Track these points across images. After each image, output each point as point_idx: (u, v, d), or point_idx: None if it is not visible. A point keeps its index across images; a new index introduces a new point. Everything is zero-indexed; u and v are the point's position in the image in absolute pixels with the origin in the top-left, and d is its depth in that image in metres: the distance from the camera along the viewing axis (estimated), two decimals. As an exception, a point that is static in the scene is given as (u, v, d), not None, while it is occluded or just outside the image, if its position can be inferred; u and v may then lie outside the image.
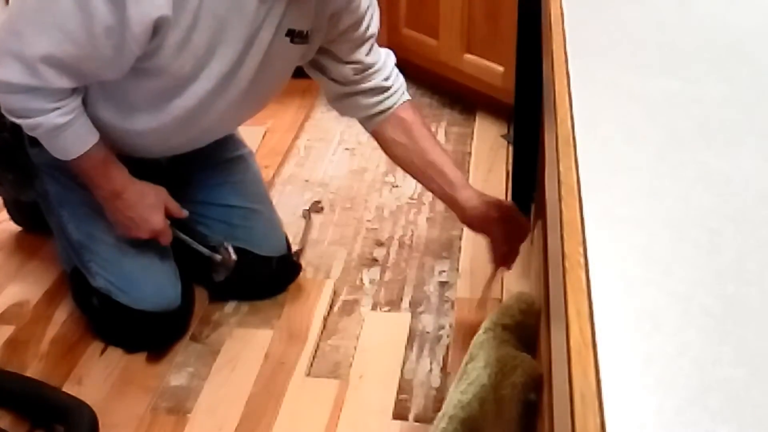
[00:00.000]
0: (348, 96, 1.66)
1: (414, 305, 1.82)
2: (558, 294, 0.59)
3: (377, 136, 1.69)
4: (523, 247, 1.69)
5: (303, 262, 1.93)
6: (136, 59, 1.40)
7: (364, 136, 2.54)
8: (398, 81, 1.67)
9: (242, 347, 1.70)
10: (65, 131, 1.47)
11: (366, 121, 1.68)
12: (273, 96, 1.71)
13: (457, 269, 1.92)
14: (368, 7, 1.59)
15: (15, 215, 2.04)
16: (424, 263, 1.97)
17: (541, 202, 1.44)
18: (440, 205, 2.19)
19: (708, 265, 0.56)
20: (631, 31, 0.95)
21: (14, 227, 2.06)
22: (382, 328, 1.76)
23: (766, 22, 0.98)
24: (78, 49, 1.36)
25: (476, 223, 1.63)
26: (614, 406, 0.45)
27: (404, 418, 1.52)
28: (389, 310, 1.81)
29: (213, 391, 1.59)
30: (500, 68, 2.42)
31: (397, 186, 2.29)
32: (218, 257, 1.73)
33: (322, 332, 1.74)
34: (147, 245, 1.66)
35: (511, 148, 2.31)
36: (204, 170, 1.82)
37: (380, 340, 1.72)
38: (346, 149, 2.48)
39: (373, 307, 1.82)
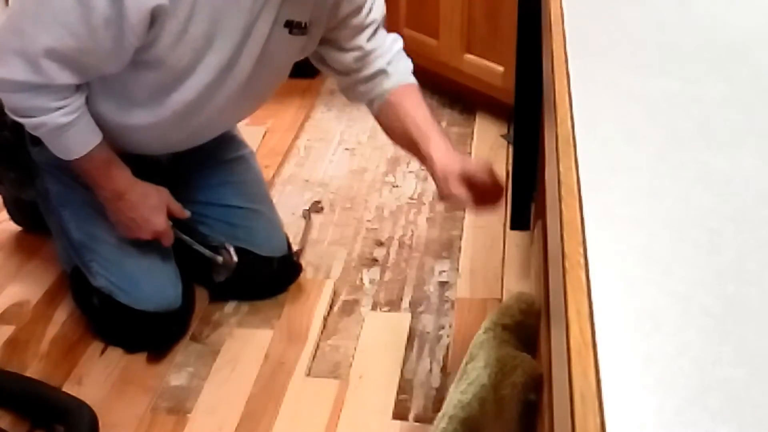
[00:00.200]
0: (352, 84, 1.64)
1: (414, 305, 1.82)
2: (558, 294, 0.59)
3: (378, 121, 1.66)
4: (524, 248, 1.69)
5: (303, 262, 1.93)
6: (135, 51, 1.40)
7: (364, 136, 2.54)
8: (401, 65, 1.63)
9: (242, 347, 1.70)
10: (68, 131, 1.47)
11: (369, 107, 1.65)
12: (272, 91, 1.70)
13: (457, 269, 1.92)
14: None
15: (15, 215, 2.04)
16: (424, 263, 1.97)
17: (541, 202, 1.44)
18: (440, 205, 2.19)
19: (708, 265, 0.56)
20: (631, 31, 0.95)
21: (14, 227, 2.06)
22: (382, 328, 1.76)
23: (766, 22, 0.98)
24: (79, 42, 1.36)
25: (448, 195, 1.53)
26: (614, 406, 0.45)
27: (404, 418, 1.52)
28: (389, 310, 1.81)
29: (213, 391, 1.59)
30: (500, 68, 2.42)
31: (397, 186, 2.29)
32: (219, 259, 1.73)
33: (322, 332, 1.74)
34: (149, 245, 1.66)
35: (511, 148, 2.31)
36: (205, 170, 1.82)
37: (380, 340, 1.72)
38: (346, 149, 2.48)
39: (373, 307, 1.82)
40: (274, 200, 2.16)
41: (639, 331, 0.50)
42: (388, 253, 2.01)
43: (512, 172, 2.09)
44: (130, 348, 1.69)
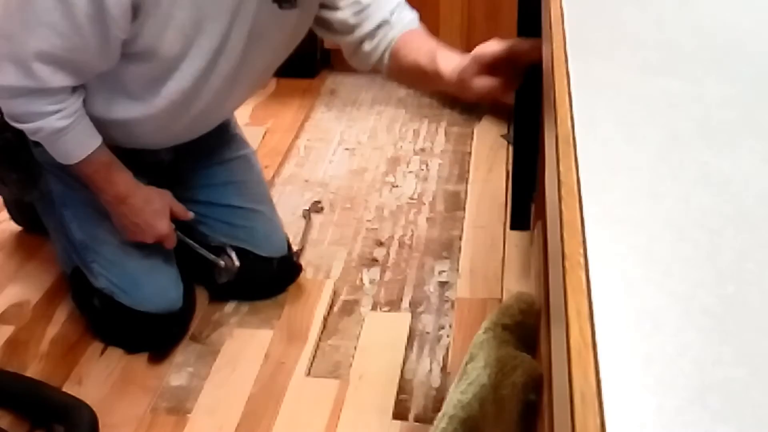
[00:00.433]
0: (357, 45, 1.58)
1: (414, 305, 1.82)
2: (558, 294, 0.59)
3: (392, 76, 1.61)
4: (524, 248, 1.69)
5: (303, 262, 1.93)
6: (125, 44, 1.40)
7: (364, 136, 2.54)
8: (404, 14, 1.57)
9: (242, 347, 1.70)
10: (66, 135, 1.47)
11: (382, 67, 1.58)
12: (270, 72, 1.69)
13: (457, 269, 1.92)
14: None
15: (16, 215, 2.04)
16: (424, 263, 1.97)
17: (541, 202, 1.44)
18: (440, 205, 2.19)
19: (708, 265, 0.56)
20: (631, 31, 0.95)
21: (14, 227, 2.06)
22: (382, 328, 1.76)
23: (766, 22, 0.98)
24: (66, 41, 1.36)
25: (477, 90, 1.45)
26: (614, 406, 0.45)
27: (404, 418, 1.52)
28: (389, 310, 1.81)
29: (213, 391, 1.59)
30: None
31: (397, 186, 2.29)
32: (222, 263, 1.73)
33: (322, 332, 1.74)
34: (151, 247, 1.66)
35: (511, 148, 2.31)
36: (207, 170, 1.82)
37: (380, 340, 1.72)
38: (346, 149, 2.48)
39: (373, 307, 1.82)
40: (274, 200, 2.16)
41: (639, 331, 0.50)
42: (388, 253, 2.01)
43: (512, 172, 2.09)
44: (131, 349, 1.69)
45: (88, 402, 1.50)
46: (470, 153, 2.44)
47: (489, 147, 2.46)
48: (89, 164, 1.53)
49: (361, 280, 1.91)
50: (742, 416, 0.44)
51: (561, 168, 0.68)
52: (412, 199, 2.23)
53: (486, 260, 1.94)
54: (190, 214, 1.70)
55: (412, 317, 1.78)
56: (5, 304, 1.82)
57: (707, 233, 0.59)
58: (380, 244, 2.04)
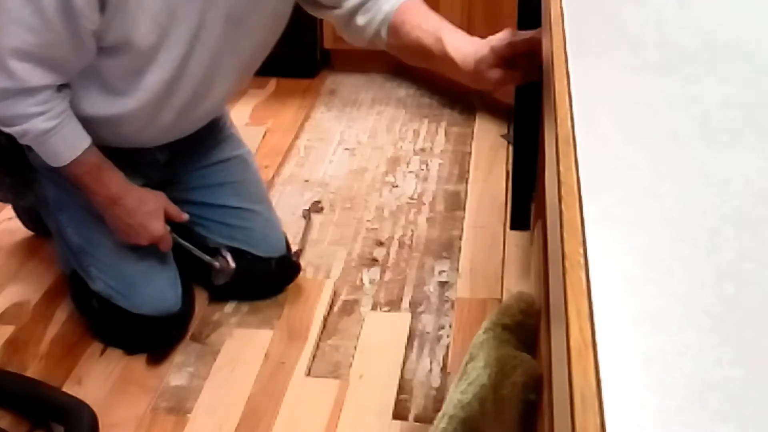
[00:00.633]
0: (349, 18, 1.56)
1: (414, 305, 1.82)
2: (558, 294, 0.59)
3: (392, 50, 1.58)
4: (524, 248, 1.69)
5: (303, 262, 1.93)
6: (99, 38, 1.40)
7: (364, 136, 2.54)
8: None
9: (242, 347, 1.70)
10: (53, 136, 1.47)
11: (379, 41, 1.56)
12: (256, 58, 1.67)
13: (457, 269, 1.92)
14: None
15: (26, 220, 2.03)
16: (424, 263, 1.97)
17: (541, 202, 1.44)
18: (440, 205, 2.19)
19: (708, 265, 0.56)
20: (631, 31, 0.95)
21: (14, 227, 2.06)
22: (382, 328, 1.76)
23: (766, 22, 0.98)
24: (38, 37, 1.37)
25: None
26: (614, 406, 0.45)
27: (404, 418, 1.52)
28: (389, 310, 1.81)
29: (213, 391, 1.59)
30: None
31: (397, 186, 2.29)
32: (217, 264, 1.73)
33: (322, 332, 1.74)
34: (147, 249, 1.66)
35: (511, 148, 2.31)
36: (202, 170, 1.81)
37: (380, 340, 1.72)
38: (346, 149, 2.48)
39: (373, 307, 1.82)
40: (274, 200, 2.16)
41: (639, 331, 0.50)
42: (388, 253, 2.01)
43: (512, 172, 2.09)
44: (130, 350, 1.69)
45: (88, 402, 1.50)
46: (470, 153, 2.44)
47: (489, 147, 2.46)
48: (79, 165, 1.52)
49: (361, 280, 1.91)
50: (742, 416, 0.44)
51: (561, 168, 0.68)
52: (412, 199, 2.23)
53: (486, 260, 1.94)
54: (185, 216, 1.70)
55: (412, 317, 1.78)
56: (5, 304, 1.82)
57: (707, 233, 0.59)
58: (380, 244, 2.04)
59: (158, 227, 1.62)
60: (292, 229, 2.03)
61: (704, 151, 0.70)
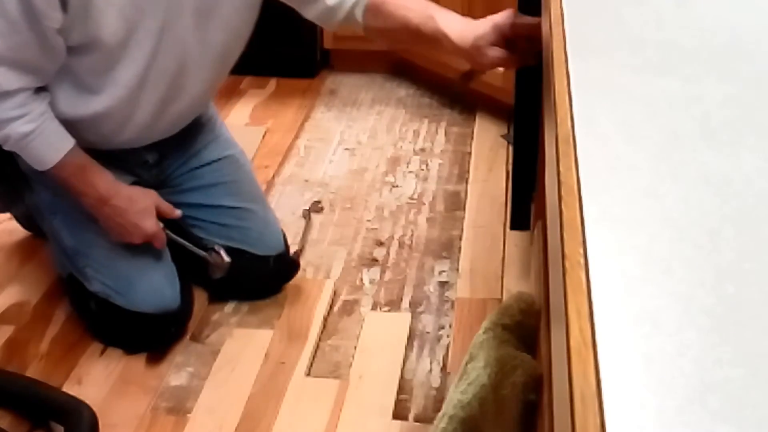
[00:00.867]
0: (322, 2, 1.55)
1: (414, 305, 1.82)
2: (558, 294, 0.59)
3: (369, 32, 1.57)
4: (524, 248, 1.69)
5: (303, 262, 1.93)
6: (67, 36, 1.41)
7: (364, 136, 2.54)
8: None
9: (242, 347, 1.70)
10: (35, 140, 1.48)
11: (354, 24, 1.54)
12: (234, 50, 1.67)
13: (457, 269, 1.92)
14: None
15: (24, 222, 2.03)
16: (424, 263, 1.97)
17: (541, 202, 1.44)
18: (440, 205, 2.19)
19: (708, 265, 0.56)
20: (631, 31, 0.95)
21: (14, 228, 2.06)
22: (382, 328, 1.76)
23: (766, 22, 0.98)
24: (6, 40, 1.38)
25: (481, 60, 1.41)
26: (614, 406, 0.45)
27: (404, 418, 1.52)
28: (389, 310, 1.81)
29: (213, 391, 1.59)
30: (500, 68, 2.42)
31: (397, 186, 2.29)
32: (210, 258, 1.73)
33: (322, 332, 1.74)
34: (143, 247, 1.66)
35: (511, 148, 2.31)
36: (194, 171, 1.80)
37: (380, 340, 1.72)
38: (346, 149, 2.48)
39: (373, 307, 1.82)
40: (274, 200, 2.16)
41: (639, 331, 0.50)
42: (388, 253, 2.01)
43: (512, 172, 2.09)
44: (130, 349, 1.69)
45: (88, 402, 1.50)
46: (470, 153, 2.44)
47: (489, 147, 2.46)
48: (64, 168, 1.53)
49: (361, 280, 1.91)
50: (742, 416, 0.44)
51: (561, 168, 0.68)
52: (412, 199, 2.23)
53: (486, 260, 1.94)
54: (178, 212, 1.69)
55: (412, 317, 1.78)
56: (5, 304, 1.82)
57: (707, 233, 0.59)
58: (380, 244, 2.04)
59: (150, 225, 1.62)
60: (292, 229, 2.03)
61: (704, 151, 0.70)
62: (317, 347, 1.70)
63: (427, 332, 1.74)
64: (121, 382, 1.62)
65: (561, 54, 0.87)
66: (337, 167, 2.39)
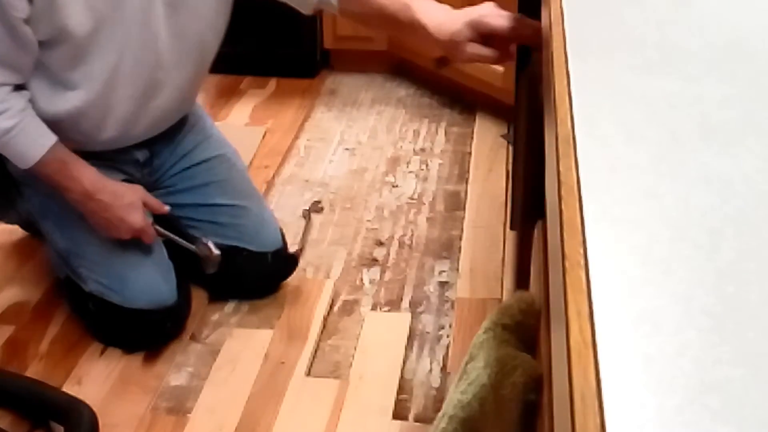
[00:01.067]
0: None
1: (414, 305, 1.82)
2: (558, 294, 0.59)
3: (346, 15, 1.57)
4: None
5: (303, 262, 1.93)
6: (36, 29, 1.42)
7: (364, 136, 2.54)
8: None
9: (242, 347, 1.70)
10: (16, 136, 1.48)
11: (330, 7, 1.55)
12: (211, 42, 1.66)
13: (457, 269, 1.92)
14: None
15: (23, 224, 2.03)
16: (424, 263, 1.97)
17: (541, 202, 1.44)
18: (440, 205, 2.19)
19: (708, 265, 0.56)
20: (631, 31, 0.95)
21: (14, 228, 2.06)
22: (382, 328, 1.76)
23: (766, 22, 0.98)
24: None
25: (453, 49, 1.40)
26: (614, 406, 0.45)
27: (404, 418, 1.52)
28: (389, 310, 1.81)
29: (213, 391, 1.59)
30: (500, 68, 2.42)
31: (397, 186, 2.29)
32: (197, 250, 1.72)
33: (322, 332, 1.74)
34: (135, 243, 1.66)
35: (511, 148, 2.31)
36: (185, 171, 1.80)
37: (380, 340, 1.72)
38: (346, 149, 2.48)
39: (373, 307, 1.82)
40: (274, 200, 2.16)
41: (639, 331, 0.50)
42: (388, 253, 2.01)
43: (512, 172, 2.09)
44: (129, 348, 1.69)
45: (88, 402, 1.50)
46: (470, 153, 2.44)
47: (489, 147, 2.46)
48: (48, 164, 1.53)
49: (361, 280, 1.91)
50: (742, 416, 0.44)
51: (561, 168, 0.68)
52: (412, 199, 2.23)
53: (486, 260, 1.94)
54: (166, 208, 1.69)
55: (412, 317, 1.78)
56: (5, 304, 1.82)
57: (707, 233, 0.59)
58: (380, 244, 2.04)
59: (137, 219, 1.62)
60: (292, 229, 2.03)
61: (704, 151, 0.70)
62: (317, 347, 1.70)
63: (427, 332, 1.74)
64: (121, 382, 1.62)
65: (561, 54, 0.87)
66: (337, 167, 2.39)
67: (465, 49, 1.37)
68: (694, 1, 1.04)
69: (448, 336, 1.72)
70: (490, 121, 2.58)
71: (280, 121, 2.61)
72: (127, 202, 1.61)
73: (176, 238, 1.72)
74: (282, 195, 2.25)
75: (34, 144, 1.51)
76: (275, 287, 1.85)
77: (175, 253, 1.73)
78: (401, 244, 2.04)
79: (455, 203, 2.20)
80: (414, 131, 2.57)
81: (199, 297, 1.82)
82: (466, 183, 2.29)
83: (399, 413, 1.53)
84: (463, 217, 2.13)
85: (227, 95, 2.73)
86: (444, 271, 1.93)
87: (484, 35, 1.36)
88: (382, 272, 1.94)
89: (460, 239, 2.04)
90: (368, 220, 2.14)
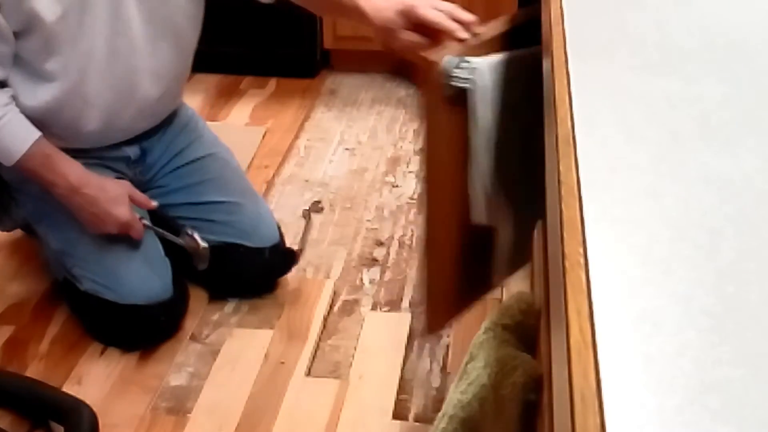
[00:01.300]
0: None
1: (414, 305, 1.82)
2: (558, 294, 0.59)
3: (300, 2, 1.61)
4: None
5: (303, 262, 1.93)
6: (9, 18, 1.44)
7: (364, 136, 2.54)
8: None
9: (242, 347, 1.70)
10: (1, 130, 1.49)
11: None
12: (188, 28, 1.67)
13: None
14: None
15: (23, 226, 2.03)
16: (424, 263, 1.96)
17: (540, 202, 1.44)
18: (440, 205, 2.19)
19: (708, 265, 0.56)
20: (631, 31, 0.95)
21: (14, 227, 2.06)
22: (382, 328, 1.76)
23: (766, 22, 0.98)
24: None
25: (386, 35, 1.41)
26: (614, 406, 0.45)
27: (404, 418, 1.52)
28: (389, 310, 1.81)
29: (213, 391, 1.59)
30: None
31: (397, 186, 2.29)
32: (182, 242, 1.72)
33: (322, 332, 1.74)
34: (127, 240, 1.66)
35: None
36: (179, 170, 1.80)
37: (380, 340, 1.72)
38: (346, 149, 2.48)
39: (373, 307, 1.82)
40: (274, 200, 2.16)
41: (639, 331, 0.50)
42: (388, 253, 2.01)
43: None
44: (127, 346, 1.69)
45: (88, 402, 1.50)
46: (470, 153, 2.44)
47: (489, 147, 2.46)
48: (32, 158, 1.53)
49: (361, 280, 1.91)
50: (742, 416, 0.44)
51: (561, 168, 0.68)
52: (412, 199, 2.23)
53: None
54: (153, 203, 1.69)
55: (412, 317, 1.78)
56: (5, 304, 1.82)
57: (707, 233, 0.59)
58: (380, 244, 2.04)
59: (123, 213, 1.61)
60: (292, 229, 2.03)
61: (704, 151, 0.70)
62: (317, 347, 1.70)
63: (427, 332, 1.74)
64: (121, 382, 1.62)
65: (561, 54, 0.87)
66: (337, 167, 2.39)
67: (398, 37, 1.38)
68: (694, 1, 1.04)
69: (448, 336, 1.72)
70: (490, 121, 2.58)
71: (280, 121, 2.61)
72: (113, 195, 1.61)
73: (164, 232, 1.72)
74: (282, 195, 2.25)
75: (18, 139, 1.52)
76: (274, 283, 1.84)
77: (171, 252, 1.73)
78: (401, 244, 2.04)
79: (455, 203, 2.20)
80: (414, 131, 2.57)
81: (199, 297, 1.82)
82: (466, 183, 2.28)
83: (399, 413, 1.53)
84: (463, 217, 2.12)
85: (227, 95, 2.73)
86: (444, 271, 1.93)
87: (419, 24, 1.36)
88: (382, 272, 1.94)
89: (460, 239, 2.04)
90: (368, 220, 2.14)
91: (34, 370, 1.64)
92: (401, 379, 1.61)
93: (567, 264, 0.57)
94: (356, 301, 1.84)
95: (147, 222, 1.68)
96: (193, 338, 1.73)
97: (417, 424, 1.51)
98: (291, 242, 1.91)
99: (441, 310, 1.36)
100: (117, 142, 1.71)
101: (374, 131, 2.58)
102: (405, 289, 1.87)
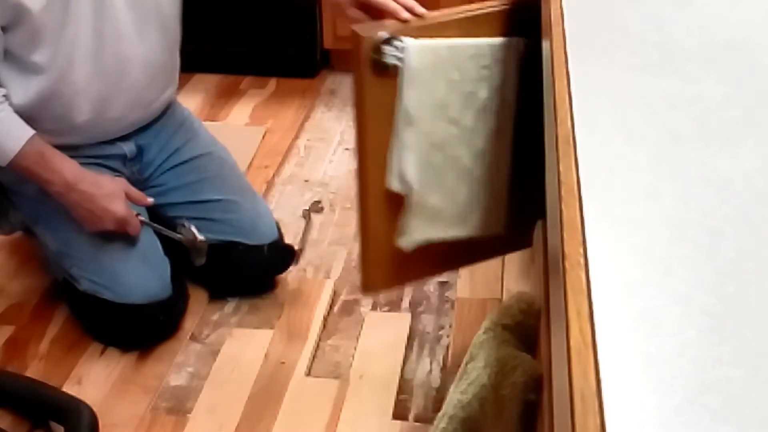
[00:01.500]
0: None
1: (414, 305, 1.82)
2: (558, 294, 0.59)
3: None
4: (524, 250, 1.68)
5: (303, 262, 1.93)
6: (0, 15, 1.44)
7: (364, 136, 2.54)
8: None
9: (242, 347, 1.70)
10: None
11: None
12: (170, 15, 1.68)
13: (457, 269, 1.92)
14: None
15: (23, 228, 2.04)
16: (424, 263, 1.96)
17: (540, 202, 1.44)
18: (440, 205, 2.19)
19: (708, 265, 0.56)
20: (631, 31, 0.95)
21: (14, 227, 2.06)
22: (382, 328, 1.76)
23: (766, 22, 0.98)
24: None
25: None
26: (614, 406, 0.45)
27: (404, 418, 1.52)
28: (389, 310, 1.81)
29: (213, 391, 1.59)
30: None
31: (397, 186, 2.29)
32: (178, 236, 1.72)
33: (322, 332, 1.74)
34: (125, 239, 1.66)
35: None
36: (176, 169, 1.80)
37: (380, 340, 1.72)
38: (346, 149, 2.48)
39: (373, 307, 1.82)
40: (274, 200, 2.16)
41: (639, 331, 0.50)
42: (388, 253, 2.00)
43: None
44: (126, 346, 1.69)
45: (88, 402, 1.50)
46: (470, 153, 2.44)
47: (489, 147, 2.46)
48: (26, 156, 1.53)
49: (361, 280, 1.91)
50: (742, 416, 0.44)
51: (561, 168, 0.68)
52: (412, 199, 2.23)
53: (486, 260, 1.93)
54: (149, 200, 1.69)
55: (412, 317, 1.78)
56: (5, 304, 1.82)
57: (707, 233, 0.59)
58: (380, 244, 2.04)
59: (119, 209, 1.61)
60: (292, 229, 2.03)
61: (704, 151, 0.70)
62: (317, 347, 1.70)
63: (427, 332, 1.74)
64: (121, 382, 1.62)
65: (561, 54, 0.87)
66: (337, 167, 2.38)
67: (346, 13, 1.43)
68: (694, 1, 1.04)
69: (448, 336, 1.72)
70: (490, 121, 2.58)
71: (280, 121, 2.61)
72: (109, 191, 1.61)
73: (161, 228, 1.72)
74: (282, 195, 2.25)
75: (12, 137, 1.52)
76: (274, 281, 1.84)
77: (170, 251, 1.73)
78: (401, 244, 2.04)
79: (455, 203, 2.20)
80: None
81: (199, 297, 1.82)
82: (466, 183, 2.28)
83: (399, 413, 1.53)
84: (463, 217, 2.12)
85: (227, 95, 2.73)
86: (444, 271, 1.93)
87: (367, 3, 1.40)
88: (382, 272, 1.94)
89: (460, 239, 2.04)
90: (368, 220, 2.14)
91: (34, 370, 1.64)
92: (401, 379, 1.61)
93: (567, 264, 0.57)
94: (356, 301, 1.84)
95: (144, 218, 1.68)
96: (193, 338, 1.73)
97: (417, 424, 1.51)
98: (291, 242, 1.91)
99: (376, 271, 1.38)
100: (112, 137, 1.70)
101: (374, 131, 2.57)
102: (405, 289, 1.87)
